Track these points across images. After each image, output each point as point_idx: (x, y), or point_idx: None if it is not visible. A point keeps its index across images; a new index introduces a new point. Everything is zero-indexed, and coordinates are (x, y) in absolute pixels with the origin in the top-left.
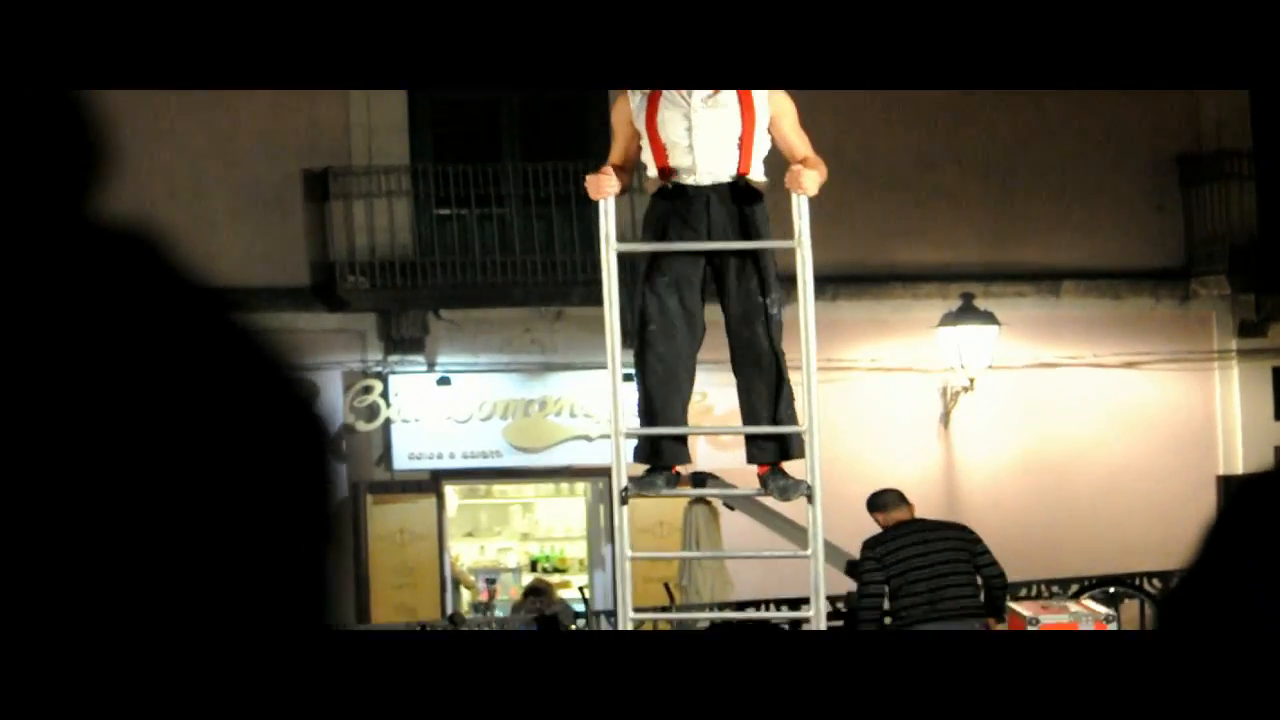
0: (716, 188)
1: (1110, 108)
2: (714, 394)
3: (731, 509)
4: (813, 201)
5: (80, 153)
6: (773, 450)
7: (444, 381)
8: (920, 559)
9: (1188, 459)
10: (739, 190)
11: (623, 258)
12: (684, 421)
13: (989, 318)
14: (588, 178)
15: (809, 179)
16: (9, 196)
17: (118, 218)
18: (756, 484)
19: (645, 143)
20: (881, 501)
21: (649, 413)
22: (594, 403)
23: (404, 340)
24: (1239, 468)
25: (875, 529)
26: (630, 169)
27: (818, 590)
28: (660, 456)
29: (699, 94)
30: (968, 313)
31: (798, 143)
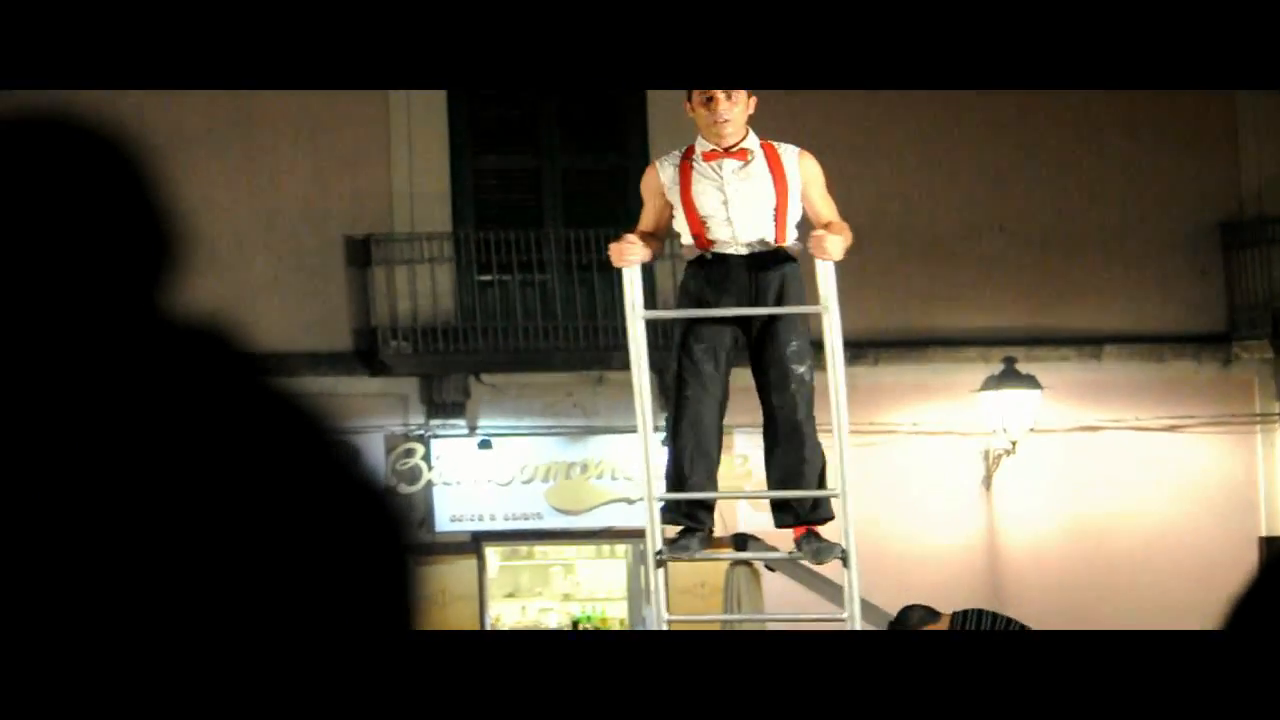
0: (754, 256)
1: (1153, 174)
2: (755, 457)
3: (772, 570)
4: (854, 267)
5: (153, 244)
6: (801, 514)
7: (485, 445)
8: None
9: (1229, 521)
10: (776, 257)
11: (660, 324)
12: (711, 486)
13: (1031, 382)
14: (611, 246)
15: (833, 244)
16: (82, 287)
17: (191, 311)
18: (794, 547)
19: (680, 214)
20: (922, 616)
21: (678, 477)
22: (635, 466)
23: (445, 404)
24: None
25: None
26: (662, 236)
27: None
28: (691, 519)
29: (730, 165)
30: (1010, 377)
31: (824, 208)
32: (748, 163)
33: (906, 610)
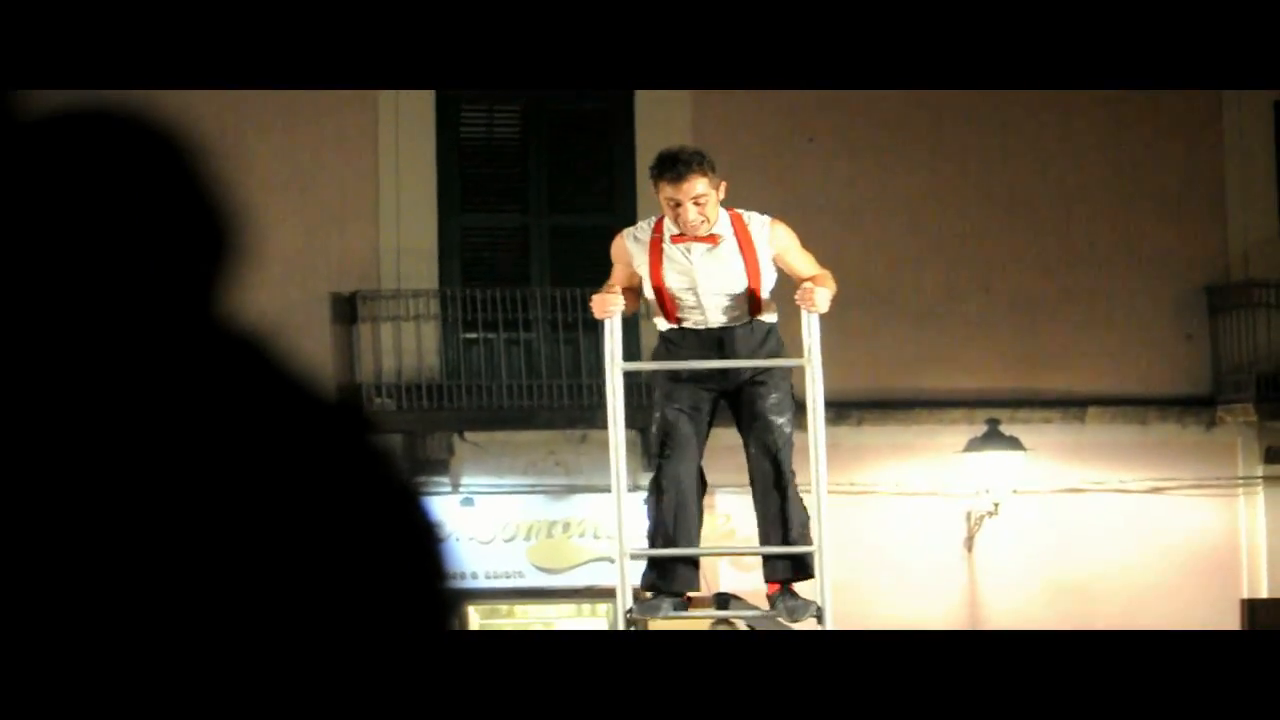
0: (728, 328)
1: (1139, 238)
2: (738, 516)
3: (753, 630)
4: (839, 328)
5: (211, 245)
6: (785, 568)
7: (468, 503)
8: None
9: (1212, 583)
10: (750, 327)
11: (643, 385)
12: (690, 546)
13: (1015, 443)
14: (593, 297)
15: (820, 297)
16: (140, 287)
17: (239, 319)
18: (768, 604)
19: (651, 293)
20: None
21: (656, 537)
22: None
23: (429, 461)
24: (1263, 592)
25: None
26: (637, 293)
27: None
28: (669, 582)
29: (699, 248)
30: (993, 438)
31: (804, 267)
32: (717, 245)
33: None
